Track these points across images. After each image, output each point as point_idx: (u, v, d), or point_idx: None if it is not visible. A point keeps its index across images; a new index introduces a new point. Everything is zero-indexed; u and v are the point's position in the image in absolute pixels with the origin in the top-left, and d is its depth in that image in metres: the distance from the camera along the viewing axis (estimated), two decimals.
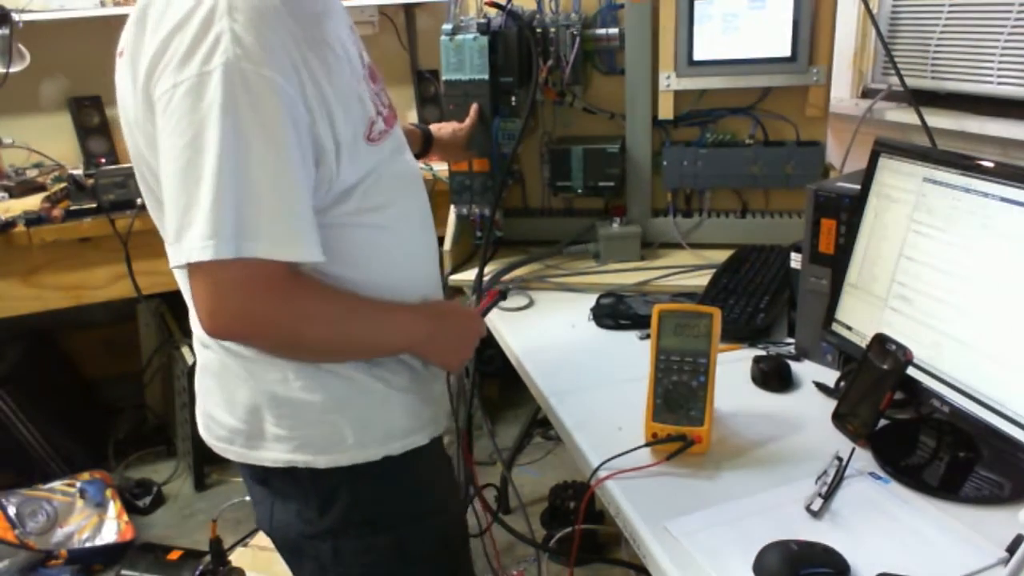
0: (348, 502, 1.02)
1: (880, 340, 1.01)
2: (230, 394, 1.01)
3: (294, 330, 0.89)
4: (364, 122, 0.93)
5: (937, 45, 1.87)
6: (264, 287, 0.84)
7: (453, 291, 1.70)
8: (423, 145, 1.49)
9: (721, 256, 1.59)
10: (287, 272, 0.85)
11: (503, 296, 1.47)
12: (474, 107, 1.52)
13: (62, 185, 2.24)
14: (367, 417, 1.01)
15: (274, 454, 1.00)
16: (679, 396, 0.99)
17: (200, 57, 0.79)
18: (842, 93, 2.09)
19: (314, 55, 0.87)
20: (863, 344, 1.05)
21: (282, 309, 0.86)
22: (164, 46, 0.81)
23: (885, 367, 0.99)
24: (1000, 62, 1.72)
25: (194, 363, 1.08)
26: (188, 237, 0.80)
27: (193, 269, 0.82)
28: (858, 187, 1.11)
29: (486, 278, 1.56)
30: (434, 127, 1.51)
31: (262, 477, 1.06)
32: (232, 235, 0.80)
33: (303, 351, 0.95)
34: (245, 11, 0.80)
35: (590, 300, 1.46)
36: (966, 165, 0.94)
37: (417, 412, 1.06)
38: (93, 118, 2.60)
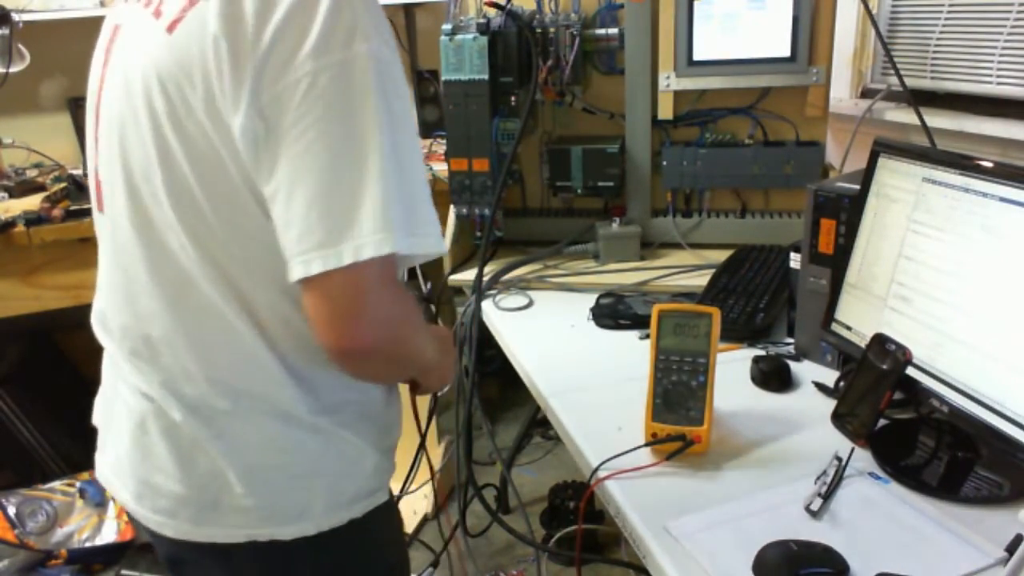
0: None
1: (879, 340, 1.01)
2: (187, 457, 0.86)
3: (408, 337, 0.82)
4: None
5: (936, 45, 1.87)
6: (395, 287, 0.76)
7: (453, 291, 1.70)
8: None
9: (720, 256, 1.59)
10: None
11: (428, 300, 1.57)
12: None
13: (62, 185, 2.24)
14: (340, 478, 0.91)
15: (227, 530, 0.87)
16: (679, 396, 0.99)
17: (340, 41, 0.72)
18: (841, 93, 2.09)
19: None
20: (862, 344, 1.05)
21: (401, 312, 0.79)
22: (283, 28, 0.72)
23: (884, 367, 0.99)
24: (999, 62, 1.72)
25: None
26: (353, 235, 0.71)
27: (335, 275, 0.72)
28: (857, 187, 1.11)
29: (486, 278, 1.56)
30: None
31: (220, 553, 0.91)
32: (404, 230, 0.73)
33: (405, 363, 0.87)
34: None
35: (590, 300, 1.46)
36: (965, 165, 0.94)
37: (383, 468, 0.97)
38: None
